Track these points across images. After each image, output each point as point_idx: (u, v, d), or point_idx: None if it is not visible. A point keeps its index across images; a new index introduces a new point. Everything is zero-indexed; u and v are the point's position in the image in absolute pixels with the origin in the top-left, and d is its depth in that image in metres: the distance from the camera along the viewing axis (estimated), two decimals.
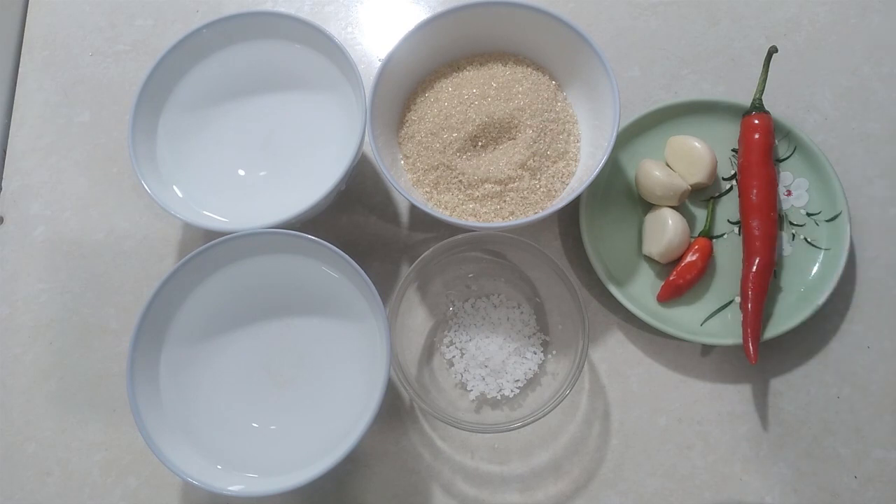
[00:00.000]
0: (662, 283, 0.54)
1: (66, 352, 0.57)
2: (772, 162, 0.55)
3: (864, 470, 0.51)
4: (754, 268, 0.52)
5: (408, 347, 0.54)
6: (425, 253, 0.51)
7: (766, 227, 0.53)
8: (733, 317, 0.54)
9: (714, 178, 0.56)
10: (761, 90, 0.56)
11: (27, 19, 0.68)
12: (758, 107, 0.56)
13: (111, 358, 0.57)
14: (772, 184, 0.54)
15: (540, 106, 0.54)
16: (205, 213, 0.54)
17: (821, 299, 0.52)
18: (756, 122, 0.55)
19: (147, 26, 0.67)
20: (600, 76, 0.51)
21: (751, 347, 0.50)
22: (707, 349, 0.54)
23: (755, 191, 0.54)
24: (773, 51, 0.56)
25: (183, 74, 0.56)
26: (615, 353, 0.55)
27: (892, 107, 0.60)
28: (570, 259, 0.57)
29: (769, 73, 0.57)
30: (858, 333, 0.55)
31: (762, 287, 0.52)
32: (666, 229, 0.53)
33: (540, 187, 0.53)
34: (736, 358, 0.54)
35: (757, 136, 0.55)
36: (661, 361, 0.55)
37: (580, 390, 0.54)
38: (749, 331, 0.51)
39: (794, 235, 0.56)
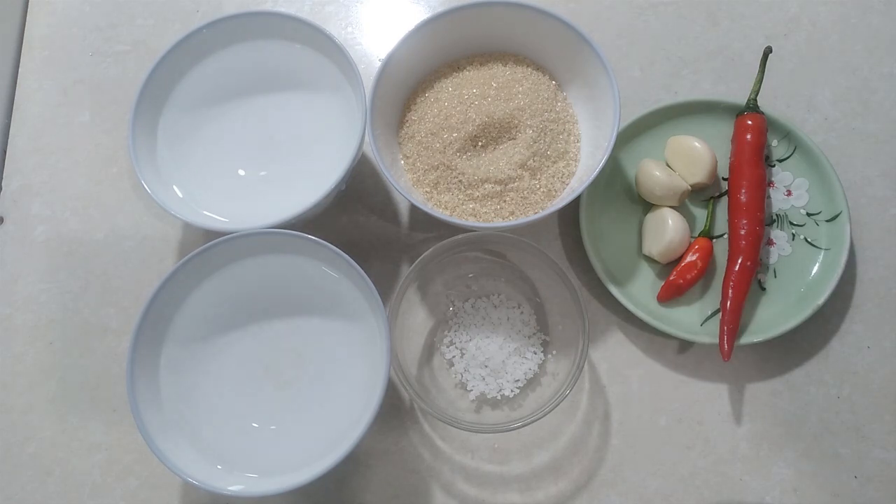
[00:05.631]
0: (662, 283, 0.54)
1: (66, 352, 0.57)
2: (762, 163, 0.55)
3: (864, 470, 0.51)
4: (737, 267, 0.52)
5: (408, 347, 0.54)
6: (425, 253, 0.51)
7: (752, 227, 0.53)
8: None
9: (714, 178, 0.56)
10: (757, 90, 0.56)
11: (27, 19, 0.68)
12: (752, 107, 0.56)
13: (111, 358, 0.57)
14: (761, 185, 0.54)
15: (540, 106, 0.54)
16: (205, 213, 0.54)
17: (821, 299, 0.52)
18: (749, 122, 0.55)
19: (147, 26, 0.67)
20: (600, 76, 0.51)
21: (726, 345, 0.51)
22: (707, 349, 0.54)
23: (744, 191, 0.54)
24: (768, 51, 0.56)
25: (183, 74, 0.56)
26: (615, 353, 0.55)
27: (892, 107, 0.60)
28: (570, 259, 0.57)
29: (769, 74, 0.57)
30: (858, 333, 0.55)
31: (744, 286, 0.52)
32: (666, 229, 0.53)
33: (540, 187, 0.53)
34: (736, 358, 0.54)
35: (749, 136, 0.55)
36: (661, 361, 0.55)
37: (580, 390, 0.54)
38: (726, 329, 0.51)
39: (794, 235, 0.56)
